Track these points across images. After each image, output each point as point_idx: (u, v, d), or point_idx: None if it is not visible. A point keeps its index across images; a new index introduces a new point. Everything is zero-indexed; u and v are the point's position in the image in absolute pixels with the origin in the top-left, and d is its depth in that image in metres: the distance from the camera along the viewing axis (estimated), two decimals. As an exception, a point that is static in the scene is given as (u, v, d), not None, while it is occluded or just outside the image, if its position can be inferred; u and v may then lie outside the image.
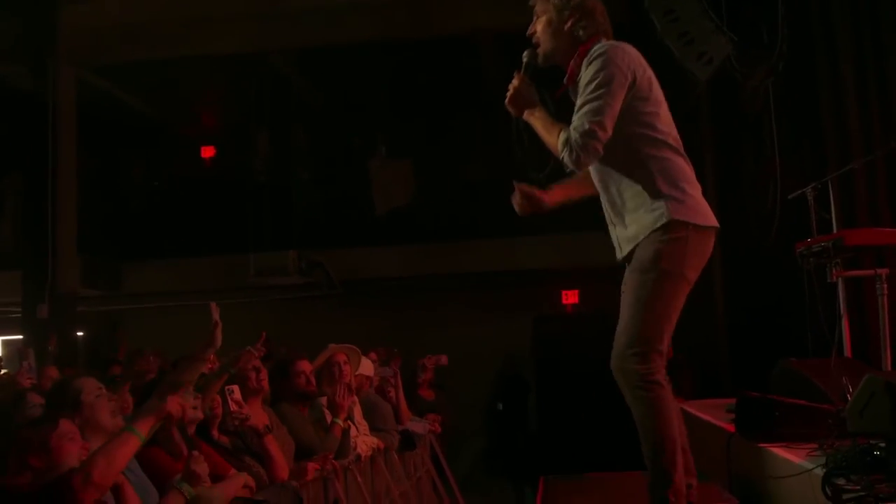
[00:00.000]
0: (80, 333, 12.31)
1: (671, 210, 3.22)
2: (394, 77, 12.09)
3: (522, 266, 12.02)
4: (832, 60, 7.33)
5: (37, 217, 11.04)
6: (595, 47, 3.24)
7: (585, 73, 3.21)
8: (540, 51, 3.39)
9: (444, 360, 9.15)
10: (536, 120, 3.32)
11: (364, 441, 5.40)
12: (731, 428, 4.87)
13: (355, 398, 5.31)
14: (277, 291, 12.01)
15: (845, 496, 3.03)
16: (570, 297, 12.90)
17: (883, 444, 3.12)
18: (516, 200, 3.61)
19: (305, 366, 4.96)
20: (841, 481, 3.09)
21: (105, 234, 12.64)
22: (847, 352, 5.90)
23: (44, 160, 11.06)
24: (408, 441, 6.57)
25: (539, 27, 3.38)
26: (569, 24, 3.31)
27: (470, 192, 12.33)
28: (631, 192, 3.31)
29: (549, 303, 12.89)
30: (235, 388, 4.23)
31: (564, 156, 3.19)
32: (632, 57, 3.25)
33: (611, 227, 3.48)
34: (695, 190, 3.32)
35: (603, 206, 3.47)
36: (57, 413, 3.14)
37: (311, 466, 4.41)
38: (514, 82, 3.36)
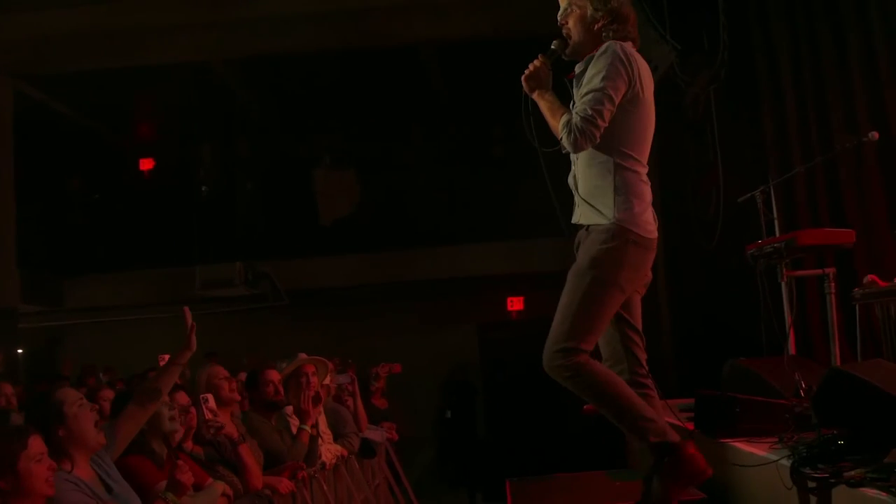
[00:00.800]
0: (19, 350, 12.05)
1: (617, 215, 3.38)
2: (338, 87, 12.08)
3: (468, 273, 12.09)
4: (772, 67, 7.58)
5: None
6: (604, 45, 3.40)
7: (595, 65, 3.37)
8: (571, 44, 3.53)
9: (397, 368, 9.18)
10: (545, 101, 3.48)
11: (328, 449, 5.42)
12: (689, 426, 5.00)
13: (321, 408, 5.33)
14: (223, 304, 11.90)
15: (811, 484, 3.16)
16: (516, 304, 13.05)
17: (846, 434, 3.26)
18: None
19: (274, 375, 4.98)
20: (807, 470, 3.23)
21: (45, 248, 12.38)
22: (792, 349, 6.10)
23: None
24: (367, 448, 6.61)
25: (571, 21, 3.53)
26: (600, 24, 3.47)
27: (414, 201, 12.40)
28: (590, 183, 3.50)
29: (494, 310, 13.02)
30: (210, 396, 4.23)
31: (563, 136, 3.36)
32: (637, 62, 3.41)
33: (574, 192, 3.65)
34: (642, 206, 3.47)
35: (575, 175, 3.64)
36: (28, 429, 3.06)
37: (286, 484, 4.42)
38: (536, 62, 3.50)
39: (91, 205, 13.03)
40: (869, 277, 6.14)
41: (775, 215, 6.19)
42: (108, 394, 5.11)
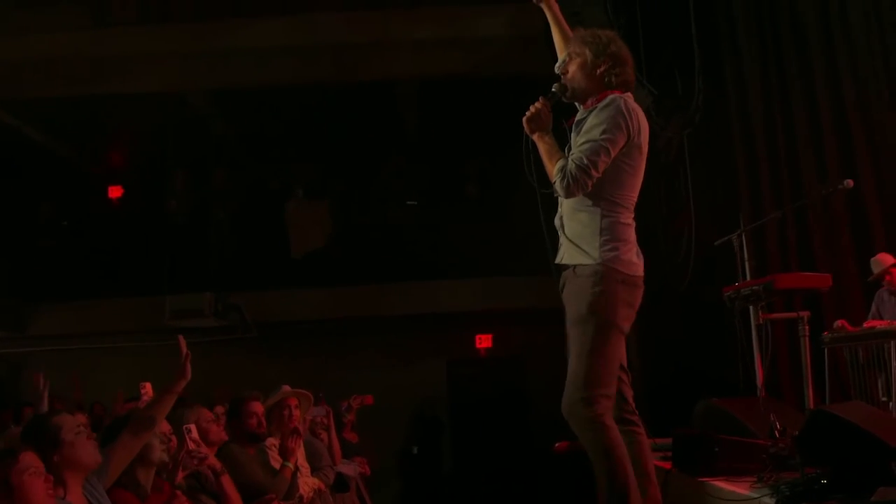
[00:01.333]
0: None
1: (604, 257, 3.51)
2: (313, 119, 12.14)
3: (438, 309, 12.11)
4: (744, 114, 7.79)
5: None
6: (609, 97, 3.51)
7: (598, 115, 3.49)
8: (569, 87, 3.66)
9: (369, 399, 9.18)
10: (544, 143, 3.60)
11: (305, 482, 5.41)
12: (666, 465, 5.08)
13: (301, 441, 5.34)
14: (192, 335, 11.78)
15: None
16: (484, 342, 13.09)
17: (830, 473, 3.35)
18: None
19: (258, 407, 4.99)
20: (792, 508, 3.31)
21: (11, 273, 12.22)
22: (760, 391, 6.21)
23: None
24: (340, 482, 6.60)
25: (572, 67, 3.66)
26: (602, 69, 3.61)
27: (386, 236, 12.44)
28: (577, 225, 3.61)
29: (463, 347, 13.06)
30: (193, 427, 4.23)
31: (557, 181, 3.49)
32: (636, 115, 3.53)
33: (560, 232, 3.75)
34: (627, 247, 3.59)
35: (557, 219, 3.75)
36: (18, 446, 3.05)
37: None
38: (538, 105, 3.61)
39: (59, 231, 12.89)
40: (839, 322, 6.32)
41: (747, 259, 6.34)
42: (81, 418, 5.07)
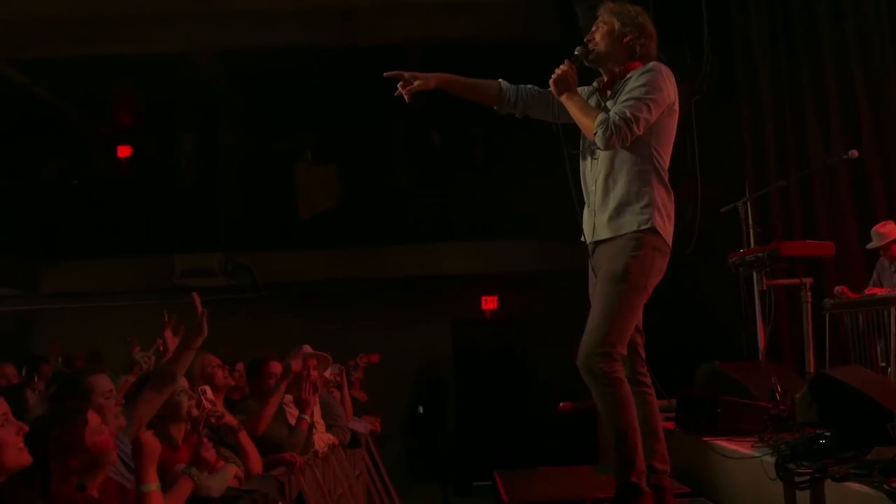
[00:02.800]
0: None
1: (655, 220, 3.61)
2: (321, 82, 12.20)
3: (444, 272, 12.28)
4: (752, 83, 7.88)
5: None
6: (650, 63, 3.65)
7: (639, 78, 3.59)
8: (594, 52, 3.75)
9: (375, 358, 9.37)
10: (574, 103, 3.69)
11: (321, 438, 5.59)
12: (670, 425, 5.24)
13: (317, 398, 5.51)
14: (201, 293, 11.93)
15: (798, 479, 3.41)
16: (489, 303, 13.26)
17: (828, 433, 3.51)
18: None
19: (276, 367, 5.15)
20: (793, 466, 3.47)
21: (23, 232, 12.36)
22: (762, 355, 6.35)
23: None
24: (354, 439, 6.79)
25: (599, 34, 3.77)
26: (629, 37, 3.72)
27: (393, 199, 12.57)
28: (628, 189, 3.65)
29: (468, 308, 13.23)
30: (207, 388, 4.37)
31: (599, 132, 3.54)
32: (674, 83, 3.66)
33: (587, 211, 3.83)
34: (669, 219, 3.72)
35: (587, 189, 3.83)
36: (78, 405, 3.15)
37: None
38: (563, 67, 3.70)
39: (68, 190, 13.01)
40: (839, 288, 6.47)
41: (751, 226, 6.46)
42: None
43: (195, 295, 4.15)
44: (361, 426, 7.30)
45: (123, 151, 13.51)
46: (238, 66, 12.20)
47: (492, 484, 5.35)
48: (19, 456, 2.64)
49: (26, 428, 2.68)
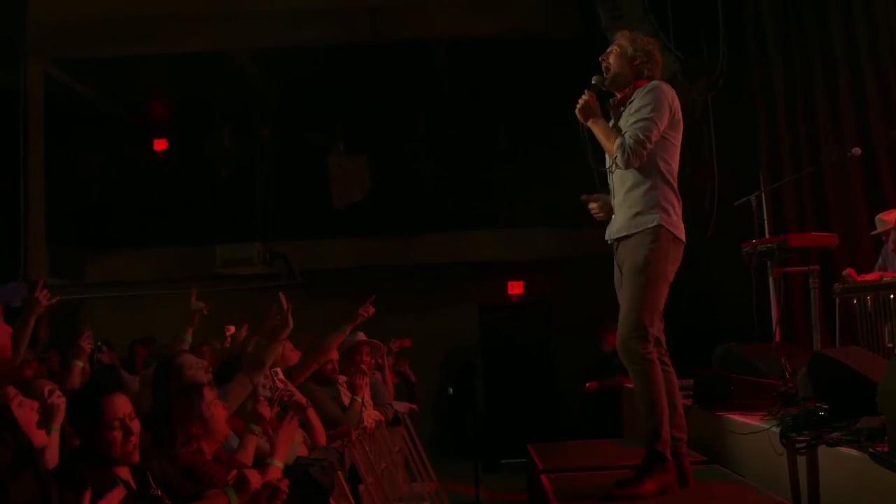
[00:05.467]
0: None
1: (661, 219, 4.12)
2: (352, 77, 12.68)
3: (471, 258, 12.75)
4: (766, 81, 8.30)
5: (8, 208, 11.35)
6: (652, 82, 4.19)
7: (641, 99, 4.14)
8: (609, 75, 4.29)
9: (407, 342, 9.86)
10: (598, 127, 4.26)
11: (369, 415, 6.13)
12: (687, 402, 5.73)
13: (368, 380, 6.08)
14: (239, 281, 12.50)
15: (798, 446, 3.91)
16: (516, 288, 13.76)
17: (826, 406, 4.00)
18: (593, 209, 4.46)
19: (334, 355, 5.71)
20: (794, 435, 3.97)
21: (68, 223, 12.92)
22: (777, 337, 6.81)
23: (14, 152, 11.38)
24: (396, 418, 7.33)
25: (612, 57, 4.31)
26: (638, 61, 4.26)
27: (423, 188, 13.07)
28: (636, 194, 4.20)
29: (495, 293, 13.73)
30: (279, 369, 4.91)
31: (618, 155, 4.13)
32: (674, 96, 4.20)
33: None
34: (677, 213, 4.24)
35: (612, 195, 4.35)
36: (201, 383, 3.71)
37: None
38: (585, 97, 4.26)
39: (112, 182, 13.56)
40: (847, 271, 6.88)
41: (765, 217, 6.92)
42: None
43: (282, 294, 4.64)
44: (402, 406, 7.83)
45: (162, 145, 14.03)
46: (272, 62, 12.71)
47: (526, 457, 5.85)
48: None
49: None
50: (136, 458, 2.96)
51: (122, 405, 2.95)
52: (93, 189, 13.68)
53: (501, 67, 12.47)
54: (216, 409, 3.52)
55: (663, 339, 4.31)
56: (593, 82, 4.31)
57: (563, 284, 12.87)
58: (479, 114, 13.26)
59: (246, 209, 12.80)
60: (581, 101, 4.25)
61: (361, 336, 6.29)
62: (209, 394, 3.53)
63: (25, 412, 3.10)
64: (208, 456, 3.45)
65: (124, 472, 2.96)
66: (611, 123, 4.27)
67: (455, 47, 12.47)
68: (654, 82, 4.19)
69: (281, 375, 4.90)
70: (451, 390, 12.99)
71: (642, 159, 4.09)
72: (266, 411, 4.14)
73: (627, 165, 4.12)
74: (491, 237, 12.71)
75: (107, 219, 13.27)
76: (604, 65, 4.34)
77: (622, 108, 4.26)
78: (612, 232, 4.35)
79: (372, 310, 5.94)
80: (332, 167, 12.93)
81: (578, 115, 4.27)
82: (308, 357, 5.55)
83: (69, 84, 12.94)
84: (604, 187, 4.41)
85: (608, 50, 4.34)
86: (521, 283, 13.71)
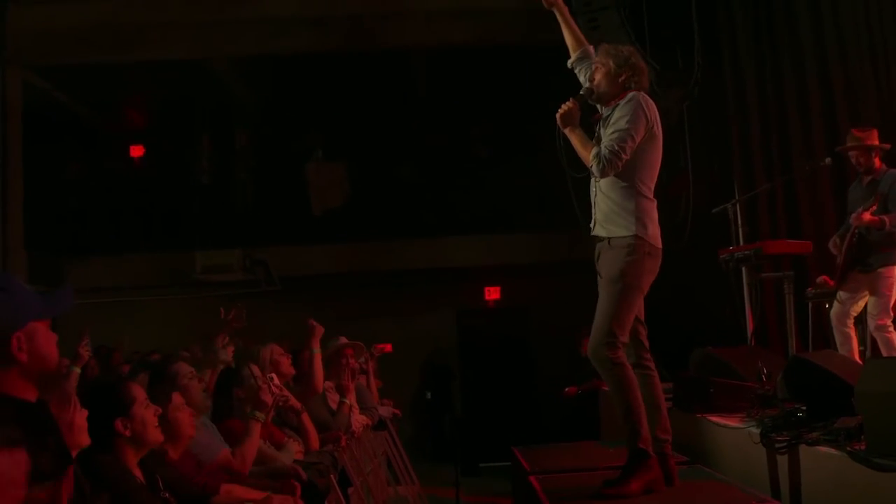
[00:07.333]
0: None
1: (638, 231, 4.27)
2: (331, 85, 12.79)
3: (448, 264, 12.89)
4: (739, 92, 8.53)
5: (-14, 215, 11.34)
6: (630, 94, 4.31)
7: (620, 110, 4.28)
8: (596, 91, 4.42)
9: (388, 348, 9.98)
10: (575, 136, 4.38)
11: (356, 419, 6.24)
12: (668, 404, 5.90)
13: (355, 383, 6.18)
14: (218, 287, 12.53)
15: (778, 445, 4.08)
16: (493, 294, 13.92)
17: (804, 407, 4.18)
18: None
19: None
20: (774, 435, 4.15)
21: (47, 230, 12.90)
22: (751, 340, 7.01)
23: (-7, 159, 11.38)
24: (381, 422, 7.45)
25: (598, 75, 4.42)
26: (623, 77, 4.36)
27: (401, 195, 13.19)
28: (612, 205, 4.34)
29: (472, 298, 13.89)
30: (274, 375, 5.01)
31: (594, 164, 4.25)
32: (652, 108, 4.31)
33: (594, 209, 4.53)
34: (654, 225, 4.38)
35: (592, 201, 4.51)
36: (171, 385, 3.86)
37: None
38: (568, 104, 4.37)
39: (91, 189, 13.56)
40: (822, 278, 7.11)
41: (740, 225, 7.12)
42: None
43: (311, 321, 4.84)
44: (385, 410, 7.96)
45: (139, 152, 14.04)
46: (251, 70, 12.78)
47: (512, 459, 5.99)
48: (158, 434, 3.26)
49: (160, 410, 3.32)
50: (160, 436, 3.21)
51: (140, 390, 3.19)
52: (72, 195, 13.65)
53: (480, 75, 12.63)
54: (181, 415, 3.65)
55: (646, 343, 4.47)
56: (581, 93, 4.43)
57: (539, 289, 13.05)
58: (457, 121, 13.42)
59: (225, 216, 12.85)
60: (563, 108, 4.36)
61: (343, 339, 6.40)
62: (177, 398, 3.68)
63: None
64: (174, 457, 3.59)
65: (138, 474, 3.08)
66: (596, 136, 4.41)
67: (434, 55, 12.60)
68: (633, 94, 4.29)
69: (277, 380, 5.00)
70: (429, 395, 13.12)
71: (617, 169, 4.19)
72: (268, 398, 4.28)
73: (602, 175, 4.23)
74: (468, 242, 12.85)
75: (86, 225, 13.25)
76: (593, 84, 4.44)
77: (601, 123, 4.40)
78: (595, 229, 4.47)
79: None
80: (311, 174, 13.02)
81: (558, 121, 4.38)
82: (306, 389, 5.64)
83: (48, 91, 12.93)
84: (577, 193, 4.55)
85: (593, 67, 4.47)
86: (498, 288, 13.87)
